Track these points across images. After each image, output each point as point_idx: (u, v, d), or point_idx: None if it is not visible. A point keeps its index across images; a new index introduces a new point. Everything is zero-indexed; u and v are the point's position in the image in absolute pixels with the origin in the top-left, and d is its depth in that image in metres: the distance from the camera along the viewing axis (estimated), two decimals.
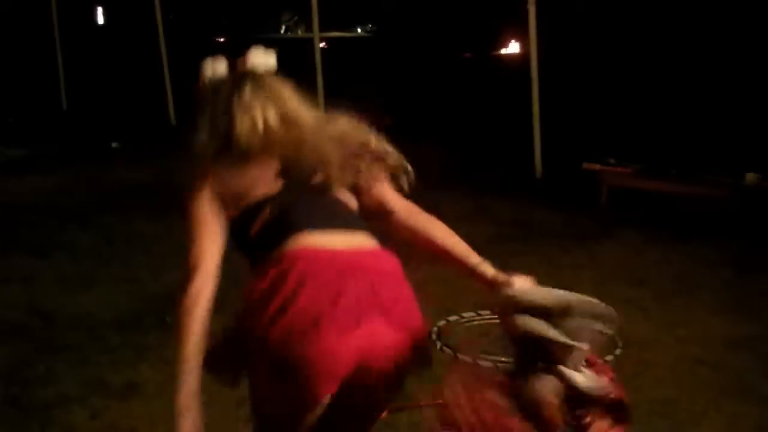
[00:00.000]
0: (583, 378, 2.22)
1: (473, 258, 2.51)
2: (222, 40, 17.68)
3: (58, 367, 4.36)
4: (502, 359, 4.35)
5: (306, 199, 2.35)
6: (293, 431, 2.27)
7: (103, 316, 5.09)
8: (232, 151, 2.35)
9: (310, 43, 11.31)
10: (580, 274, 5.76)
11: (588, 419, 2.20)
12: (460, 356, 4.39)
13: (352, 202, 2.46)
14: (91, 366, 4.38)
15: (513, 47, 13.80)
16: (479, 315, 5.01)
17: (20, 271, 5.93)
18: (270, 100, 2.42)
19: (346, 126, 2.48)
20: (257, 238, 2.34)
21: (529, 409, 2.20)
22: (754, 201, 6.77)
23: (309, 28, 12.89)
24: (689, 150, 7.98)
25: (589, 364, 2.29)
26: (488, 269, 2.50)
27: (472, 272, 2.52)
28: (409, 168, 2.50)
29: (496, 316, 5.10)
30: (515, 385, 2.26)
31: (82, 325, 4.94)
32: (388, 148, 2.49)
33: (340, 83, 11.90)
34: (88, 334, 4.80)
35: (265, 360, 2.22)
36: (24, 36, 15.83)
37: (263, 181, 2.35)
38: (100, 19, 19.07)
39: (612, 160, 7.59)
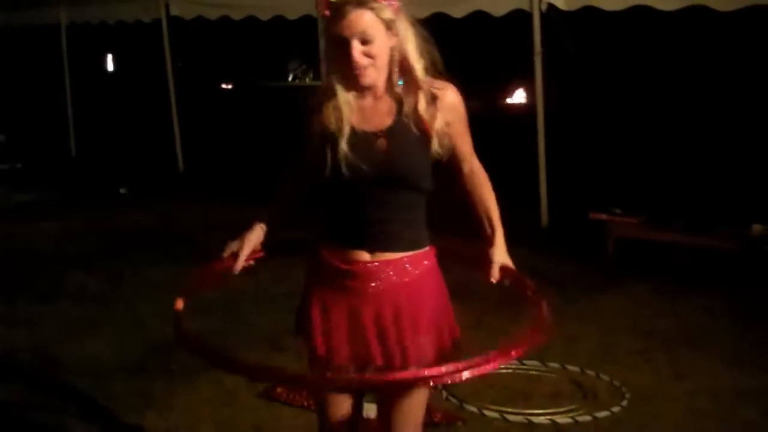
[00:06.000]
0: None
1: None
2: (230, 87, 17.79)
3: (62, 414, 4.34)
4: (508, 410, 4.35)
5: None
6: None
7: (109, 362, 5.08)
8: None
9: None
10: (587, 325, 5.74)
11: None
12: (465, 406, 4.38)
13: None
14: (96, 413, 4.36)
15: (519, 97, 13.86)
16: None
17: (26, 316, 5.93)
18: None
19: None
20: None
21: None
22: (760, 252, 6.76)
23: (317, 76, 12.98)
24: (695, 201, 7.98)
25: None
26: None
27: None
28: None
29: (501, 366, 5.10)
30: None
31: (87, 371, 4.93)
32: None
33: None
34: (93, 381, 4.79)
35: None
36: (34, 81, 15.96)
37: None
38: (110, 66, 19.23)
39: (618, 210, 7.59)
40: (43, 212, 9.56)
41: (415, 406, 2.76)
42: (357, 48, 2.46)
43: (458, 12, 8.78)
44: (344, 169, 2.52)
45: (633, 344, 5.37)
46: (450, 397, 4.51)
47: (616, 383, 4.70)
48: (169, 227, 8.71)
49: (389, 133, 2.56)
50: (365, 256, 2.62)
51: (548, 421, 4.23)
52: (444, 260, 2.79)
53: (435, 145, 2.58)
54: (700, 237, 7.01)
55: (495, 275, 2.57)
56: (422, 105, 2.55)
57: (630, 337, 5.49)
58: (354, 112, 2.57)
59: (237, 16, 10.72)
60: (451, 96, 2.62)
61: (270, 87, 15.79)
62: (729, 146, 9.81)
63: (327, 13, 2.47)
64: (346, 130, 2.54)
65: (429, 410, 4.27)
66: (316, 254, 2.70)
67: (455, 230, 3.00)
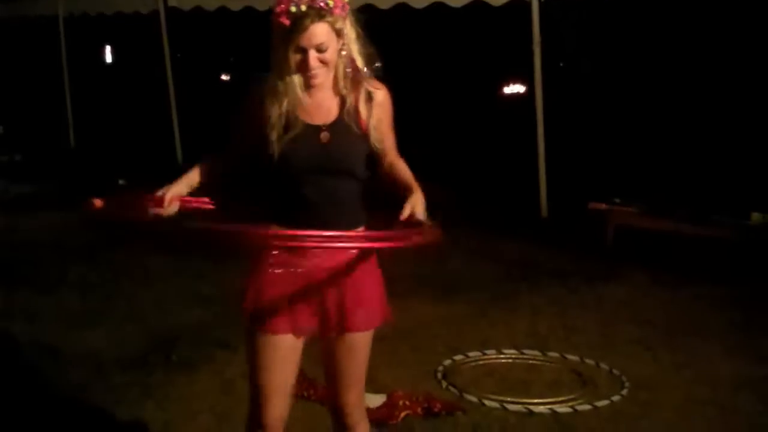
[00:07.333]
0: None
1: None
2: (227, 78, 17.77)
3: (62, 405, 4.34)
4: (508, 399, 4.35)
5: None
6: None
7: (109, 353, 5.08)
8: None
9: None
10: (587, 314, 5.75)
11: None
12: (465, 395, 4.38)
13: None
14: (96, 404, 4.36)
15: (518, 87, 13.85)
16: (485, 354, 5.00)
17: (26, 308, 5.92)
18: None
19: None
20: None
21: None
22: (759, 241, 6.76)
23: None
24: (695, 190, 7.98)
25: None
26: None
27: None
28: None
29: (501, 356, 5.11)
30: None
31: (87, 362, 4.93)
32: None
33: None
34: (93, 372, 4.79)
35: None
36: (33, 73, 15.94)
37: None
38: (109, 58, 19.20)
39: (617, 200, 7.58)
40: (42, 204, 9.55)
41: (361, 356, 2.95)
42: (313, 56, 2.70)
43: (457, 1, 8.76)
44: (288, 158, 2.76)
45: (633, 333, 5.37)
46: (450, 387, 4.51)
47: (616, 372, 4.70)
48: (168, 219, 8.69)
49: (332, 127, 2.80)
50: None
51: (548, 411, 4.23)
52: None
53: (372, 139, 2.82)
54: (699, 226, 7.01)
55: (404, 214, 2.66)
56: (361, 102, 2.82)
57: (630, 327, 5.49)
58: (301, 107, 2.80)
59: (235, 6, 10.69)
60: (382, 95, 2.86)
61: (266, 77, 15.78)
62: (728, 135, 9.81)
63: (287, 23, 2.67)
64: (293, 122, 2.78)
65: (429, 400, 4.27)
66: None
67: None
